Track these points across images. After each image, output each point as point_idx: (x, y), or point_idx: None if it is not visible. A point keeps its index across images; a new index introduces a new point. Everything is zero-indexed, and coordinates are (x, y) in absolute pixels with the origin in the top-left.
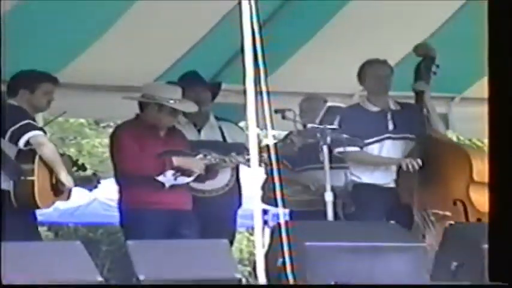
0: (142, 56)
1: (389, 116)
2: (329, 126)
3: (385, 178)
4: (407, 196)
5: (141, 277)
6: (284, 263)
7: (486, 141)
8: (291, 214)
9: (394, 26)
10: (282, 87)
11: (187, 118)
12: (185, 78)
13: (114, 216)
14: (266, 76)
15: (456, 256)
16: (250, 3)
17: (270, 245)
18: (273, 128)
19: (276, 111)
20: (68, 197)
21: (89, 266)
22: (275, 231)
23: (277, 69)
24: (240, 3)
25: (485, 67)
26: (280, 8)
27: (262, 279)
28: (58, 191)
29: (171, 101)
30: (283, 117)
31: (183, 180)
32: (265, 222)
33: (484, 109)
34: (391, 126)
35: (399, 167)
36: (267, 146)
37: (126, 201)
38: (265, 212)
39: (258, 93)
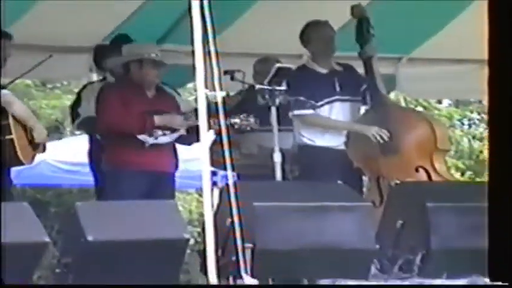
0: (88, 17)
1: (336, 78)
2: (278, 88)
3: (336, 140)
4: (359, 160)
5: (90, 238)
6: (233, 223)
7: (432, 101)
8: (238, 176)
9: None
10: (230, 48)
11: None
12: (117, 42)
13: (62, 178)
14: (214, 36)
15: (401, 215)
16: None
17: (218, 206)
18: (221, 89)
19: (225, 72)
20: (44, 149)
21: (37, 227)
22: (223, 192)
23: (225, 30)
24: None
25: (434, 28)
26: None
27: (210, 240)
28: (35, 144)
29: (153, 55)
30: (232, 79)
31: (164, 139)
32: (214, 183)
33: (431, 69)
34: (338, 88)
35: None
36: (216, 107)
37: (105, 162)
38: (214, 173)
39: (207, 54)
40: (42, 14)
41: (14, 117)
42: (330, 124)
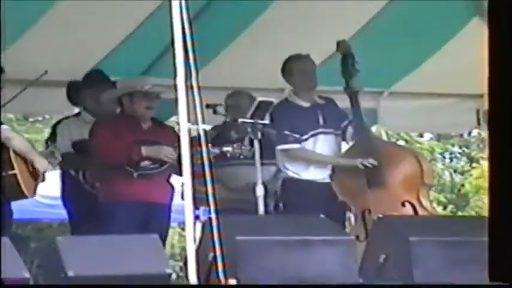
0: (71, 51)
1: (318, 111)
2: (260, 121)
3: (321, 173)
4: (345, 193)
5: (70, 273)
6: (215, 258)
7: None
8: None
9: (321, 23)
10: (212, 82)
11: None
12: (89, 77)
13: (43, 212)
14: (197, 70)
15: (384, 249)
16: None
17: (201, 240)
18: (204, 122)
19: (208, 106)
20: (43, 179)
21: (17, 263)
22: (206, 226)
23: (207, 64)
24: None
25: (415, 62)
26: (208, 4)
27: (192, 275)
28: (36, 175)
29: (146, 87)
30: (215, 112)
31: (153, 170)
32: (197, 217)
33: (412, 103)
34: (321, 121)
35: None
36: (198, 140)
37: (100, 193)
38: (196, 207)
39: (189, 88)
40: (24, 48)
41: (14, 152)
42: (315, 158)
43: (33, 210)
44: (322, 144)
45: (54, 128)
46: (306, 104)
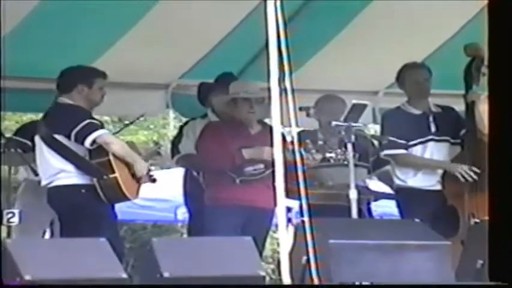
0: (167, 54)
1: (431, 118)
2: (354, 124)
3: (429, 180)
4: (454, 199)
5: (166, 274)
6: (308, 260)
7: None
8: (310, 210)
9: (420, 24)
10: (306, 84)
11: None
12: (222, 79)
13: (137, 213)
14: (291, 73)
15: (481, 254)
16: (275, 1)
17: (293, 243)
18: (297, 125)
19: (301, 109)
20: (154, 180)
21: (114, 263)
22: (299, 229)
23: (302, 67)
24: (265, 1)
25: None
26: (305, 5)
27: (286, 277)
28: (139, 178)
29: (255, 92)
30: (308, 115)
31: (256, 175)
32: (289, 220)
33: None
34: (433, 129)
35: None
36: (292, 142)
37: (204, 198)
38: (288, 209)
39: (283, 90)
40: (121, 52)
41: (114, 155)
42: (421, 162)
43: (127, 211)
44: (431, 151)
45: (181, 128)
46: (417, 112)
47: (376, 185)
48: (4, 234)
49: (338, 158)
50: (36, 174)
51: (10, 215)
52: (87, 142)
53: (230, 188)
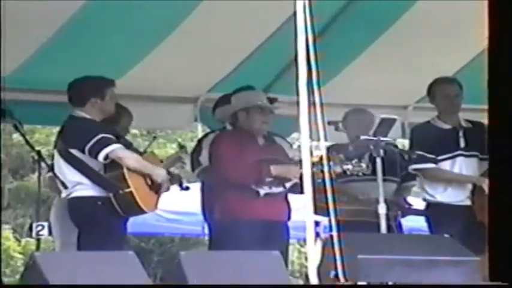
0: (196, 68)
1: (460, 133)
2: (382, 138)
3: (458, 196)
4: (484, 215)
5: None
6: (336, 275)
7: None
8: (339, 224)
9: (450, 38)
10: (335, 98)
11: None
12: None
13: (164, 226)
14: (319, 87)
15: None
16: (305, 15)
17: (321, 258)
18: (326, 139)
19: (329, 123)
20: (168, 188)
21: (142, 276)
22: (327, 243)
23: (331, 80)
24: (295, 15)
25: None
26: (335, 19)
27: None
28: (157, 188)
29: (259, 102)
30: (337, 129)
31: (278, 189)
32: (317, 234)
33: None
34: (462, 144)
35: (475, 185)
36: (321, 156)
37: (219, 211)
38: (316, 223)
39: (311, 104)
40: (150, 66)
41: (128, 169)
42: (449, 177)
43: (155, 224)
44: (460, 166)
45: (200, 141)
46: (447, 126)
47: (405, 200)
48: (33, 247)
49: (355, 170)
50: (66, 187)
51: (39, 228)
52: (101, 157)
53: (253, 201)
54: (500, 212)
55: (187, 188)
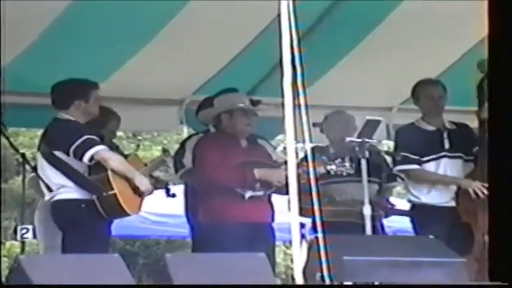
0: (181, 70)
1: (445, 135)
2: (368, 140)
3: (443, 197)
4: (469, 216)
5: None
6: (322, 277)
7: None
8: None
9: (434, 40)
10: (320, 100)
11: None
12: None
13: (150, 229)
14: (304, 89)
15: None
16: (289, 17)
17: (307, 260)
18: (311, 141)
19: (314, 125)
20: (152, 192)
21: (127, 278)
22: (312, 245)
23: (316, 82)
24: (279, 16)
25: None
26: (319, 21)
27: None
28: (141, 191)
29: (241, 104)
30: (322, 131)
31: (262, 191)
32: (303, 236)
33: None
34: (447, 145)
35: (459, 187)
36: (305, 158)
37: (204, 214)
38: (302, 225)
39: (296, 106)
40: (135, 69)
41: (113, 171)
42: (434, 178)
43: (140, 227)
44: (445, 167)
45: (183, 144)
46: (431, 128)
47: (388, 200)
48: (18, 250)
49: (338, 170)
50: (50, 190)
51: (24, 231)
52: (85, 158)
53: (238, 204)
54: (500, 212)
55: (173, 195)
